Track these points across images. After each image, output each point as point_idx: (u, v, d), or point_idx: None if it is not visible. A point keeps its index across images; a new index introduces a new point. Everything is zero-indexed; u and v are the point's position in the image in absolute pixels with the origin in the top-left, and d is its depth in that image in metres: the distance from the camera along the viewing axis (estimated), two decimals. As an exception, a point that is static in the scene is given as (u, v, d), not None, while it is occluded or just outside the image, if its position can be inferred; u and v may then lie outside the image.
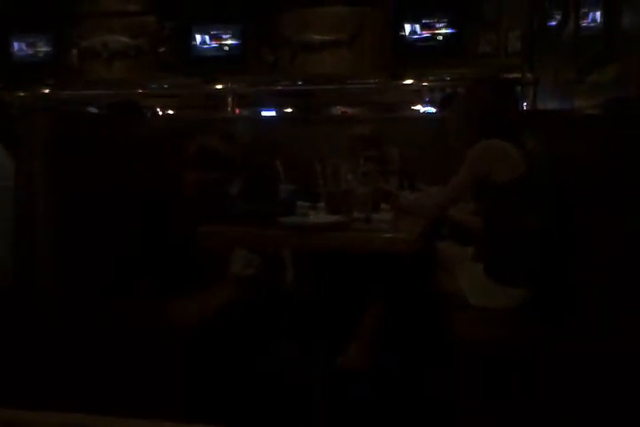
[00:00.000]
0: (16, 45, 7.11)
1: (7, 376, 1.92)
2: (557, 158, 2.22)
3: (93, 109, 5.84)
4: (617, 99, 1.94)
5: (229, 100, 4.97)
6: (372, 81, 5.72)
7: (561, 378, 1.73)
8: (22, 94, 5.68)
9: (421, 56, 6.01)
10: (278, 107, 6.01)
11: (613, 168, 1.62)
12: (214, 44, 6.62)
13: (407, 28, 6.10)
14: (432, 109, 5.42)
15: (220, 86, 5.26)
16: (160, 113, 5.82)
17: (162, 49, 6.64)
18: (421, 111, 5.55)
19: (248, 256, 2.54)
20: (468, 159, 2.11)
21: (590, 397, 1.63)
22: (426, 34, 6.08)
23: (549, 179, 2.13)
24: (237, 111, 5.29)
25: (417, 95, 5.64)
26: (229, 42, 6.58)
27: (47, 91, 5.89)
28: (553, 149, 2.26)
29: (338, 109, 5.86)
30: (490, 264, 2.07)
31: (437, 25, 6.05)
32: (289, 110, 6.06)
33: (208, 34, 6.61)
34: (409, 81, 5.50)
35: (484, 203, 2.20)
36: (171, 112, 6.04)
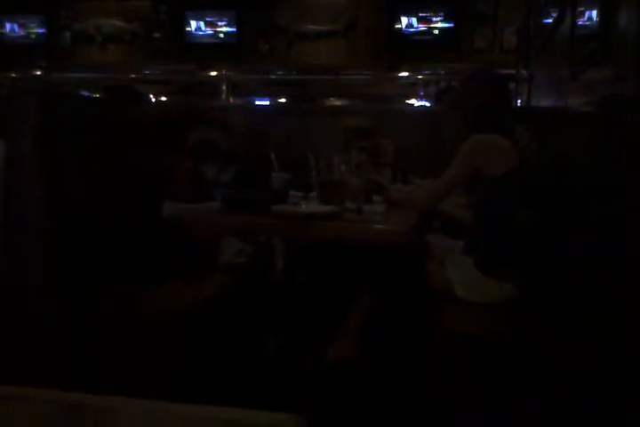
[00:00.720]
0: (8, 26, 7.02)
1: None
2: (550, 154, 2.23)
3: (85, 93, 5.78)
4: (611, 96, 1.95)
5: (223, 87, 4.94)
6: (366, 73, 5.71)
7: (550, 373, 1.75)
8: (13, 75, 5.61)
9: (417, 49, 6.01)
10: (272, 96, 5.98)
11: (606, 165, 1.63)
12: (209, 31, 6.57)
13: (403, 20, 6.09)
14: (426, 103, 5.42)
15: (214, 73, 5.22)
16: (153, 99, 5.77)
17: (156, 34, 6.59)
18: (415, 105, 5.54)
19: (239, 245, 2.54)
20: (461, 153, 2.11)
21: (580, 392, 1.65)
22: (422, 27, 6.08)
23: (542, 174, 2.14)
24: (231, 100, 5.25)
25: (411, 88, 5.63)
26: (224, 29, 6.54)
27: (39, 73, 5.82)
28: (546, 145, 2.27)
29: (332, 100, 5.85)
30: (480, 258, 2.08)
31: (434, 19, 6.05)
32: (283, 100, 6.03)
33: (203, 20, 6.56)
34: (404, 74, 5.49)
35: (475, 197, 2.21)
36: (164, 98, 5.99)
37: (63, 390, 0.77)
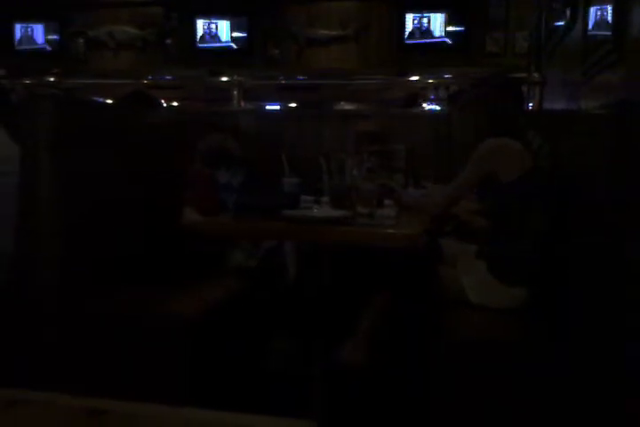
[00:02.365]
0: (22, 33, 7.09)
1: (7, 361, 1.93)
2: (563, 158, 2.22)
3: (99, 99, 5.82)
4: (624, 100, 1.94)
5: (235, 93, 4.96)
6: (377, 77, 5.71)
7: (560, 379, 1.73)
8: (27, 82, 5.67)
9: (428, 53, 6.00)
10: (283, 101, 6.00)
11: (619, 169, 1.62)
12: (220, 37, 6.60)
13: (414, 24, 6.09)
14: (437, 107, 5.41)
15: (225, 79, 5.25)
16: (164, 105, 5.81)
17: (168, 40, 6.63)
18: (427, 109, 5.54)
19: (250, 249, 2.55)
20: (474, 157, 2.11)
21: (589, 397, 1.64)
22: (433, 31, 6.07)
23: (554, 178, 2.13)
24: (242, 105, 5.28)
25: (423, 92, 5.63)
26: (235, 35, 6.57)
27: (52, 79, 5.88)
28: (559, 149, 2.26)
29: (343, 105, 5.86)
30: (493, 263, 2.07)
31: (445, 23, 6.04)
32: (294, 105, 6.05)
33: (214, 26, 6.60)
34: (415, 78, 5.49)
35: (488, 201, 2.20)
36: (175, 104, 6.03)
37: (78, 392, 0.78)
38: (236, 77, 4.96)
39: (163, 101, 5.75)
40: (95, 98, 5.80)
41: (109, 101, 4.93)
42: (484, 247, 2.16)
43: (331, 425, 2.11)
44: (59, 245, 1.99)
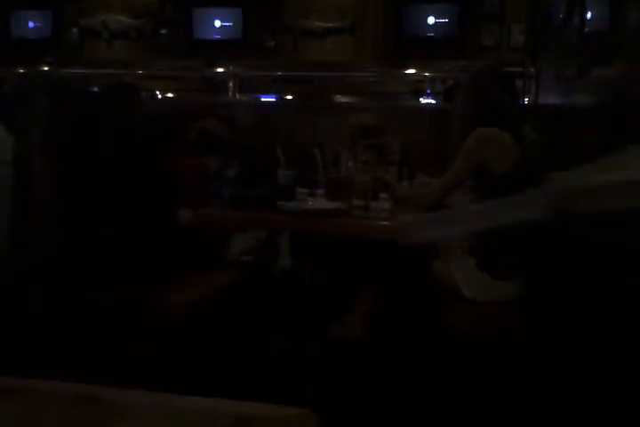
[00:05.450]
0: (15, 22, 7.03)
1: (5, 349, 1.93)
2: (556, 152, 2.23)
3: (94, 89, 5.79)
4: (620, 94, 1.94)
5: (230, 84, 4.94)
6: (373, 70, 5.69)
7: (553, 373, 1.75)
8: (21, 71, 5.63)
9: (424, 46, 5.98)
10: (278, 93, 5.98)
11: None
12: (216, 28, 6.56)
13: (411, 17, 6.07)
14: (433, 100, 5.40)
15: (220, 70, 5.23)
16: (159, 96, 5.78)
17: (163, 31, 6.59)
18: (422, 102, 5.52)
19: (246, 241, 2.55)
20: (464, 148, 2.12)
21: (583, 392, 1.65)
22: (429, 24, 6.05)
23: (546, 173, 2.13)
24: (238, 97, 5.26)
25: (418, 85, 5.62)
26: (231, 26, 6.53)
27: (46, 69, 5.84)
28: (553, 143, 2.27)
29: (338, 97, 5.84)
30: (483, 257, 2.08)
31: (441, 15, 6.02)
32: (289, 97, 6.02)
33: (209, 17, 6.55)
34: (411, 71, 5.48)
35: (480, 194, 2.21)
36: (170, 95, 6.00)
37: (75, 380, 0.78)
38: (231, 69, 4.93)
39: (158, 92, 5.73)
40: (90, 88, 5.77)
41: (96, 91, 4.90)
42: (476, 242, 2.17)
43: (324, 411, 2.12)
44: (53, 236, 1.98)
